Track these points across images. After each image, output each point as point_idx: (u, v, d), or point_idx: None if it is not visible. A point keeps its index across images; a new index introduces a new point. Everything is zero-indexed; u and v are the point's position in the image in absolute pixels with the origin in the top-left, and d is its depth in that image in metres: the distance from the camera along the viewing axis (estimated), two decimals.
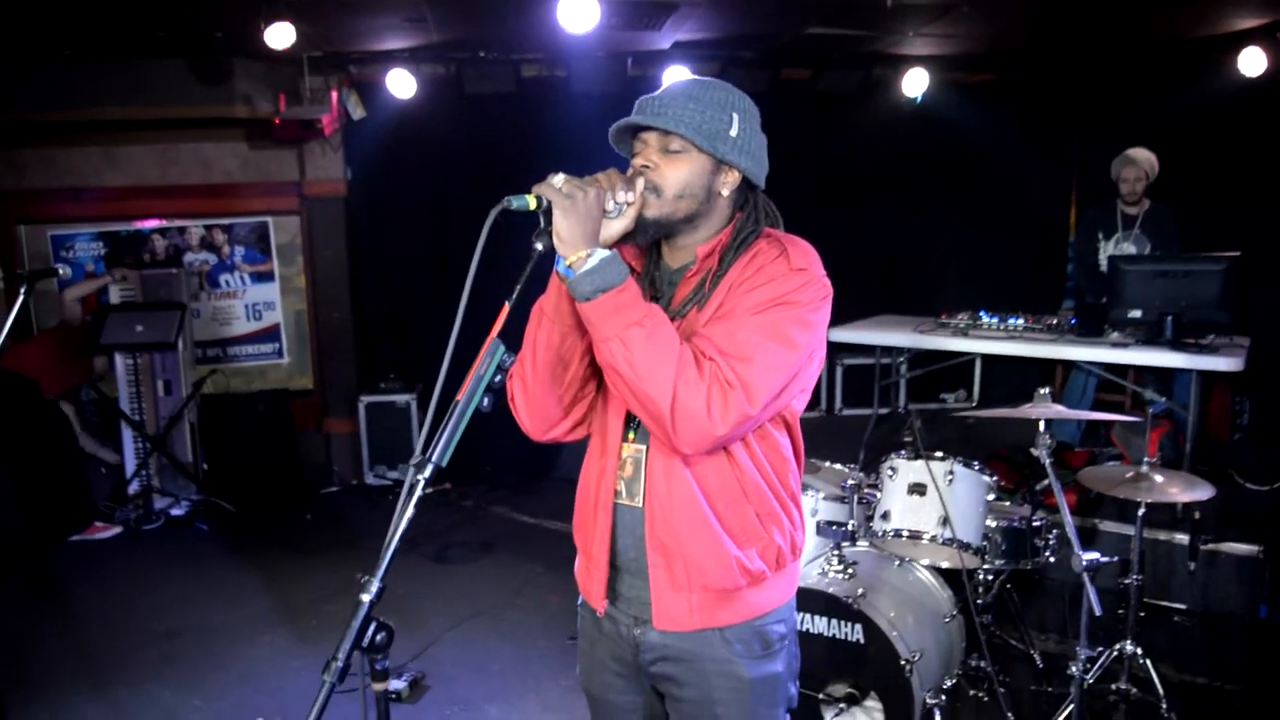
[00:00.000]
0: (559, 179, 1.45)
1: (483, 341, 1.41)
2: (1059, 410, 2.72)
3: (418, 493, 1.29)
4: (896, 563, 3.15)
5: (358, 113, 5.81)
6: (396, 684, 3.53)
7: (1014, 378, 6.40)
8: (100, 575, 4.86)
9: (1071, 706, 2.95)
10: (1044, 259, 6.73)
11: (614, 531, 1.68)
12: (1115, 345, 4.42)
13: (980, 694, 3.34)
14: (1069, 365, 5.30)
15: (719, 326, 1.52)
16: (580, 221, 1.43)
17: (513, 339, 1.57)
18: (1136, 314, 4.50)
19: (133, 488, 5.55)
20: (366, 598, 1.25)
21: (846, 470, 3.45)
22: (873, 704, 2.89)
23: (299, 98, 5.61)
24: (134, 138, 5.86)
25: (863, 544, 3.14)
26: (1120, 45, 5.79)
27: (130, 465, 5.58)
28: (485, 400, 1.35)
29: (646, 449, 1.63)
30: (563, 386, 1.64)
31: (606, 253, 1.45)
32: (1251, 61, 5.15)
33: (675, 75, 5.55)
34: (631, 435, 1.66)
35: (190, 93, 5.44)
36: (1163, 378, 4.91)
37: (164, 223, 6.13)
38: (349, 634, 1.22)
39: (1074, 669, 2.63)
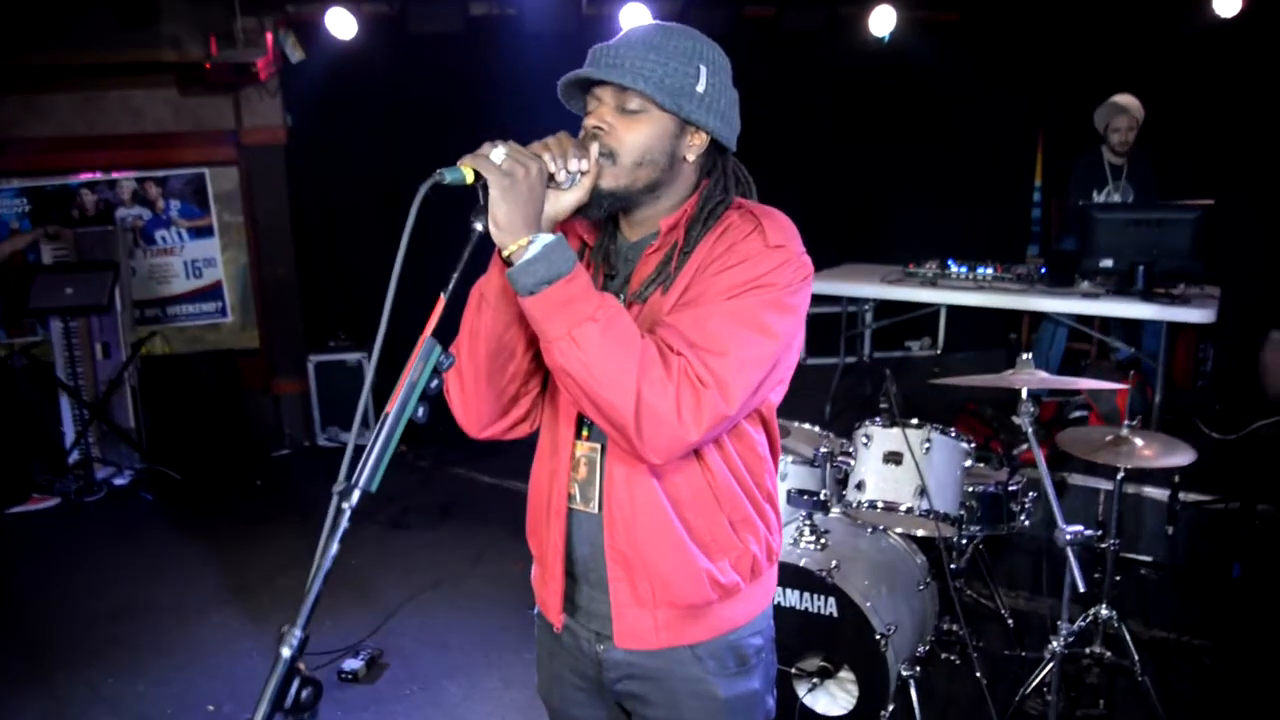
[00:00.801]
0: (497, 150, 1.24)
1: (417, 335, 1.23)
2: (1043, 378, 2.60)
3: (343, 525, 1.11)
4: (870, 530, 3.05)
5: (296, 55, 5.46)
6: (353, 663, 3.40)
7: (980, 324, 6.34)
8: (38, 551, 4.63)
9: (1045, 671, 2.91)
10: (1010, 203, 6.61)
11: (569, 539, 1.52)
12: (1086, 295, 4.34)
13: (953, 657, 3.29)
14: (1038, 313, 5.22)
15: (687, 314, 1.32)
16: (520, 204, 1.23)
17: (451, 331, 1.39)
18: (1108, 263, 4.41)
19: (72, 457, 5.29)
20: (288, 651, 1.06)
21: (819, 434, 3.33)
22: (846, 677, 2.81)
23: (231, 40, 5.25)
24: (56, 86, 5.46)
25: (836, 510, 3.02)
26: None
27: (69, 435, 5.31)
28: (420, 410, 1.17)
29: (603, 448, 1.45)
30: (505, 379, 1.45)
31: (550, 238, 1.24)
32: (1226, 2, 5.01)
33: (634, 15, 5.31)
34: (585, 432, 1.48)
35: (114, 37, 5.06)
36: (1130, 326, 4.85)
37: (94, 176, 5.76)
38: (267, 694, 1.03)
39: (1053, 644, 2.55)
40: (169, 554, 4.56)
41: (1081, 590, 2.26)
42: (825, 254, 5.94)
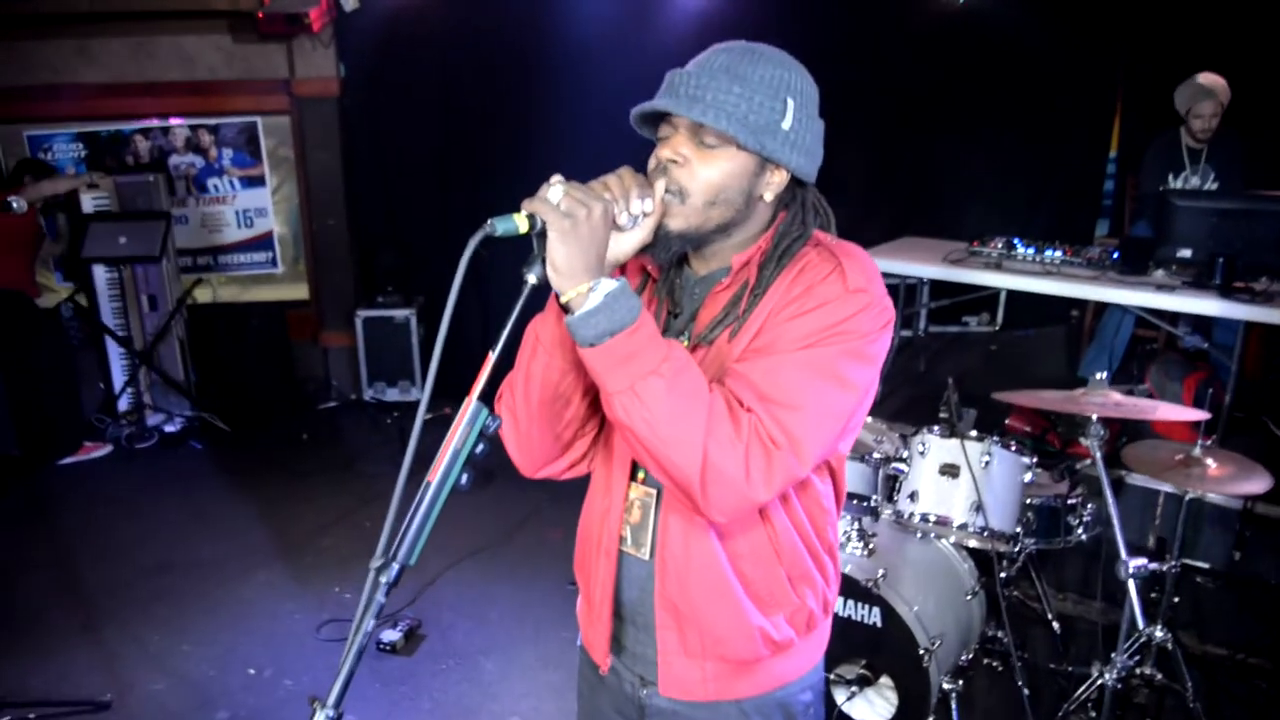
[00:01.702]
0: (556, 190, 1.15)
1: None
2: (1116, 401, 2.46)
3: (379, 600, 1.05)
4: (919, 535, 2.96)
5: (350, 4, 5.33)
6: (392, 635, 3.43)
7: (1041, 302, 6.11)
8: (91, 500, 4.72)
9: (1090, 687, 2.83)
10: (1081, 177, 6.30)
11: (618, 581, 1.46)
12: (1159, 288, 4.12)
13: (995, 664, 3.21)
14: None
15: (758, 364, 1.23)
16: (582, 249, 1.14)
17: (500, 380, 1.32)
18: (1186, 253, 4.17)
19: (122, 404, 5.38)
20: None
21: (874, 424, 3.23)
22: (885, 684, 2.76)
23: None
24: (108, 29, 5.41)
25: (886, 513, 2.93)
26: None
27: (118, 381, 5.39)
28: (464, 477, 1.10)
29: (659, 494, 1.39)
30: (560, 425, 1.38)
31: (613, 284, 1.15)
32: None
33: None
34: (641, 475, 1.41)
35: None
36: (1202, 315, 4.62)
37: (147, 122, 5.74)
38: None
39: (1106, 677, 2.46)
40: (216, 507, 4.63)
41: (1141, 627, 2.16)
42: (887, 225, 5.78)
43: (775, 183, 1.32)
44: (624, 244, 1.25)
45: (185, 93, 5.64)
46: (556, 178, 1.18)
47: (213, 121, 5.78)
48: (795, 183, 1.35)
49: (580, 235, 1.14)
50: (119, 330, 5.29)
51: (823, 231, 1.38)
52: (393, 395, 5.86)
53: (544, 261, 1.15)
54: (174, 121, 5.77)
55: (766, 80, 1.26)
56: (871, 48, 5.92)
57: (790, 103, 1.28)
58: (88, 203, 5.15)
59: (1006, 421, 4.20)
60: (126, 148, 5.75)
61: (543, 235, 1.13)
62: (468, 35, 5.60)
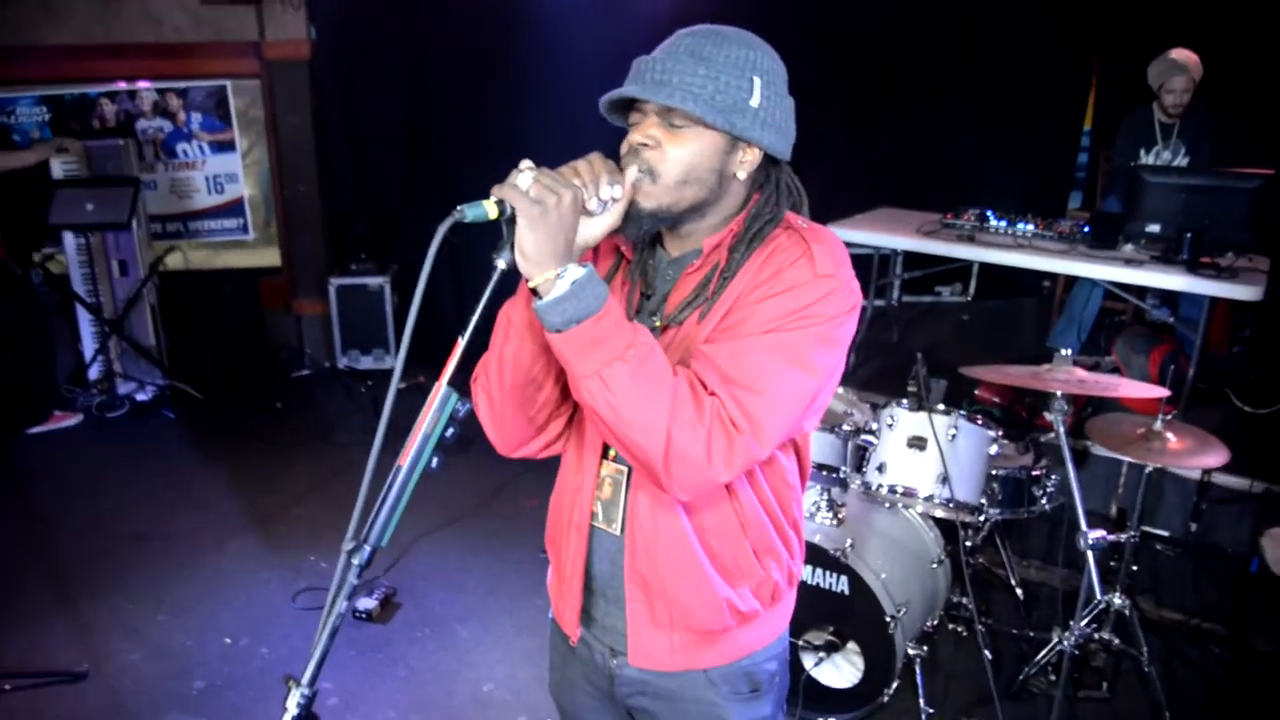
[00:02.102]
0: (525, 177, 1.16)
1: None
2: (1080, 378, 2.51)
3: (350, 581, 1.07)
4: (886, 505, 3.02)
5: None
6: (368, 602, 3.46)
7: (1013, 273, 6.16)
8: (64, 470, 4.69)
9: (1050, 652, 2.92)
10: (1055, 150, 6.34)
11: (589, 555, 1.49)
12: (1129, 262, 4.18)
13: (960, 629, 3.30)
14: None
15: (724, 347, 1.25)
16: (550, 235, 1.15)
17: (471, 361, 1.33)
18: (1155, 228, 4.25)
19: (93, 372, 5.33)
20: (294, 709, 1.04)
21: (844, 394, 3.28)
22: (853, 650, 2.83)
23: None
24: None
25: (855, 485, 2.99)
26: None
27: (89, 349, 5.33)
28: (434, 461, 1.12)
29: (629, 471, 1.41)
30: (534, 408, 1.40)
31: (580, 271, 1.17)
32: None
33: None
34: (612, 453, 1.44)
35: None
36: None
37: (113, 86, 5.62)
38: None
39: (1065, 642, 2.54)
40: (190, 476, 4.62)
41: (1099, 598, 2.23)
42: (862, 195, 5.80)
43: (748, 161, 1.33)
44: (593, 229, 1.26)
45: (153, 55, 5.52)
46: (526, 164, 1.19)
47: (181, 85, 5.67)
48: (769, 161, 1.37)
49: (549, 222, 1.15)
50: (88, 297, 5.22)
51: (794, 212, 1.40)
52: (366, 363, 5.84)
53: (513, 247, 1.16)
54: (141, 85, 5.66)
55: (732, 60, 1.28)
56: (848, 18, 5.90)
57: (757, 81, 1.29)
58: (57, 168, 5.05)
59: (976, 392, 4.28)
60: (92, 111, 5.63)
61: (512, 221, 1.15)
62: (441, 1, 5.52)
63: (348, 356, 5.84)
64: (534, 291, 1.20)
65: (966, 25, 5.91)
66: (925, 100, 6.11)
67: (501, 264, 1.16)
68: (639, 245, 1.43)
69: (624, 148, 1.32)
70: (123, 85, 5.63)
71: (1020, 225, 4.62)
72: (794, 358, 1.25)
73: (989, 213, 4.72)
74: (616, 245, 1.46)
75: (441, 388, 1.12)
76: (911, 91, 6.09)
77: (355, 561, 1.07)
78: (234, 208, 5.96)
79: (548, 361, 1.33)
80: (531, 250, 1.15)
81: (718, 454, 1.21)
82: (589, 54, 5.46)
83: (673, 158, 1.29)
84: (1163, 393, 2.59)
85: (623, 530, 1.43)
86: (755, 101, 1.29)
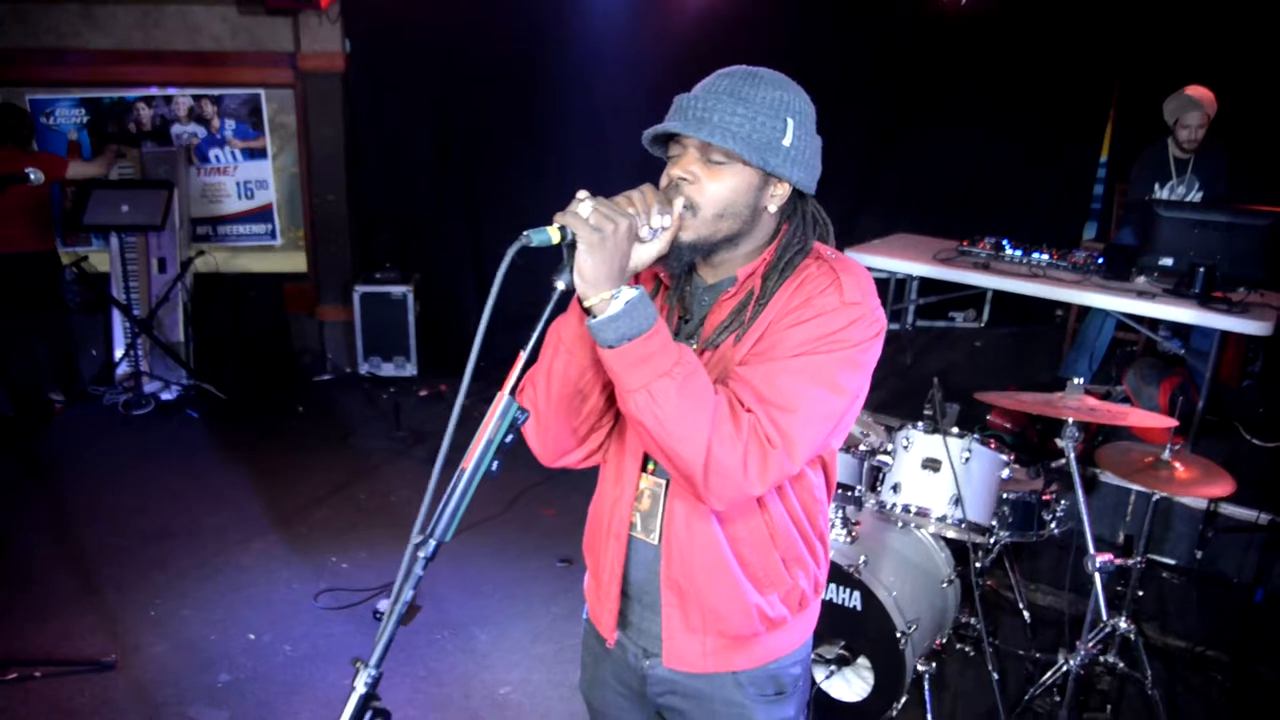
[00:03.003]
0: (586, 205, 1.26)
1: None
2: (1091, 406, 2.59)
3: (417, 572, 1.16)
4: (900, 524, 3.09)
5: None
6: (388, 604, 3.53)
7: (1026, 301, 6.25)
8: (90, 466, 4.79)
9: (1055, 673, 2.98)
10: (1072, 181, 6.44)
11: (627, 563, 1.58)
12: (1141, 295, 4.25)
13: (967, 648, 3.37)
14: None
15: (759, 369, 1.35)
16: (607, 260, 1.24)
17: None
18: (1168, 262, 4.32)
19: (121, 369, 5.44)
20: (362, 688, 1.13)
21: (861, 420, 3.35)
22: (863, 665, 2.89)
23: None
24: None
25: (869, 503, 3.06)
26: None
27: (119, 348, 5.45)
28: (495, 465, 1.21)
29: (667, 484, 1.50)
30: (579, 419, 1.49)
31: (634, 293, 1.26)
32: None
33: None
34: (651, 466, 1.53)
35: None
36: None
37: (150, 91, 5.77)
38: None
39: (1070, 662, 2.60)
40: (213, 476, 4.71)
41: (1105, 619, 2.30)
42: (880, 221, 5.90)
43: (778, 195, 1.43)
44: (643, 255, 1.35)
45: (190, 62, 5.67)
46: (582, 193, 1.28)
47: (216, 92, 5.81)
48: (796, 195, 1.47)
49: (607, 247, 1.24)
50: (126, 293, 5.34)
51: (821, 242, 1.49)
52: (388, 370, 5.95)
53: (572, 269, 1.25)
54: (170, 90, 5.80)
55: (768, 101, 1.38)
56: (868, 49, 6.02)
57: (790, 121, 1.39)
58: (114, 171, 5.22)
59: (988, 417, 4.35)
60: (129, 115, 5.77)
61: (572, 246, 1.24)
62: (471, 17, 5.65)
63: (369, 363, 5.94)
64: (587, 311, 1.29)
65: (986, 57, 6.02)
66: (945, 131, 6.23)
67: (561, 285, 1.25)
68: (676, 273, 1.53)
69: (664, 180, 1.42)
70: (154, 90, 5.76)
71: (1035, 255, 4.70)
72: (823, 379, 1.34)
73: (1005, 242, 4.80)
74: (655, 273, 1.55)
75: (504, 397, 1.21)
76: (932, 122, 6.21)
77: (421, 554, 1.16)
78: (263, 213, 6.09)
79: (594, 375, 1.43)
80: (590, 272, 1.24)
81: (753, 467, 1.30)
82: (614, 74, 5.60)
83: (710, 192, 1.39)
84: (1171, 423, 2.67)
85: (660, 540, 1.52)
86: (788, 141, 1.39)
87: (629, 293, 1.26)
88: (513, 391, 1.24)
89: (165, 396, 5.46)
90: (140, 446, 5.04)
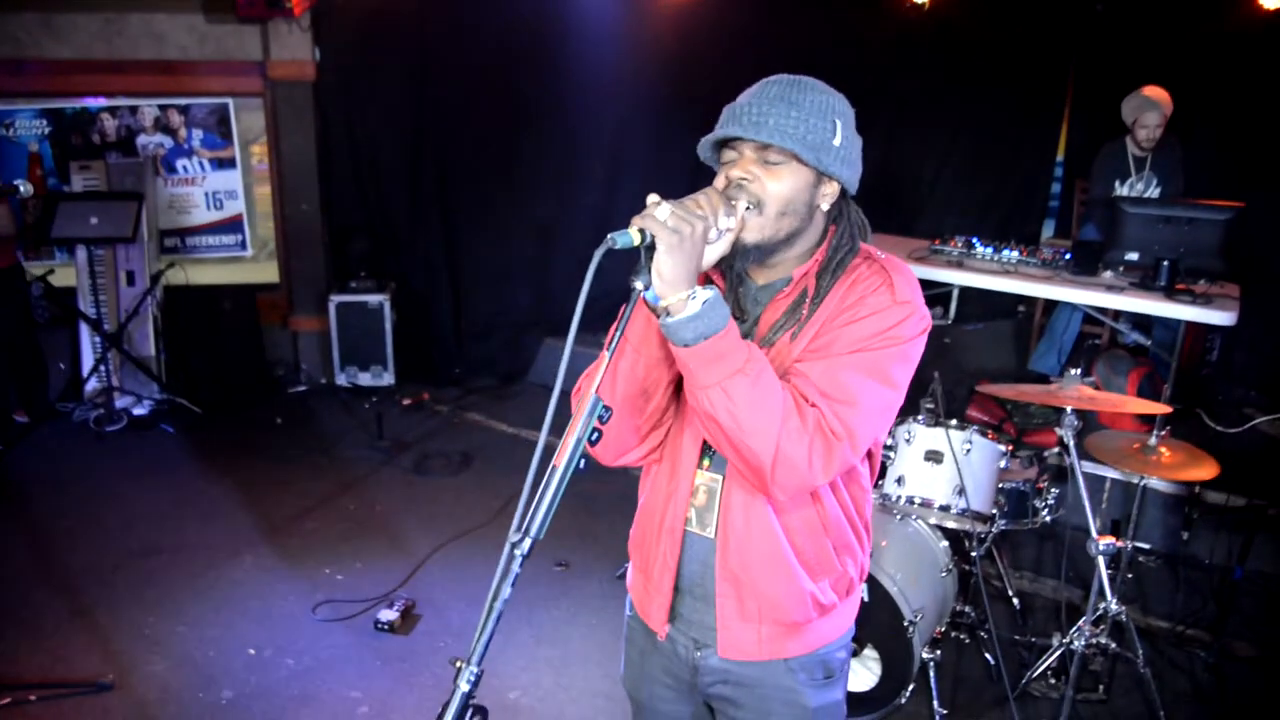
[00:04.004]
0: (664, 209, 1.30)
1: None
2: (1090, 396, 2.69)
3: (515, 570, 1.19)
4: (899, 517, 3.18)
5: None
6: (389, 614, 3.53)
7: (991, 297, 6.43)
8: (65, 484, 4.68)
9: (1052, 657, 3.09)
10: (1030, 180, 6.63)
11: (681, 557, 1.62)
12: (1109, 288, 4.42)
13: (962, 636, 3.46)
14: None
15: (819, 365, 1.41)
16: (685, 260, 1.29)
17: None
18: (1133, 256, 4.48)
19: (90, 385, 5.32)
20: (465, 686, 1.16)
21: None
22: (869, 655, 2.97)
23: None
24: (75, 4, 5.31)
25: (872, 497, 3.14)
26: None
27: (87, 363, 5.33)
28: (582, 462, 1.24)
29: (723, 479, 1.55)
30: (643, 417, 1.53)
31: (709, 293, 1.31)
32: None
33: None
34: (706, 462, 1.57)
35: None
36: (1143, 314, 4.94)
37: (113, 101, 5.65)
38: None
39: (1075, 643, 2.70)
40: (194, 491, 4.64)
41: (1109, 600, 2.39)
42: None
43: (829, 194, 1.50)
44: (709, 255, 1.40)
45: (155, 71, 5.56)
46: (654, 197, 1.32)
47: (183, 101, 5.71)
48: (841, 195, 1.53)
49: (685, 249, 1.29)
50: (95, 307, 5.23)
51: (862, 239, 1.56)
52: (365, 380, 5.90)
53: (650, 271, 1.30)
54: (141, 101, 5.69)
55: (817, 105, 1.45)
56: (828, 51, 6.11)
57: (838, 122, 1.47)
58: (78, 182, 5.10)
59: (968, 412, 4.47)
60: (93, 126, 5.65)
61: (650, 248, 1.28)
62: (443, 25, 5.65)
63: (346, 373, 5.89)
64: (664, 311, 1.33)
65: (944, 58, 6.18)
66: (905, 132, 6.37)
67: (640, 285, 1.29)
68: (737, 272, 1.57)
69: (721, 182, 1.47)
70: (121, 100, 5.65)
71: (1005, 252, 4.84)
72: (879, 374, 1.41)
73: (975, 240, 4.94)
74: (707, 274, 1.60)
75: (590, 396, 1.24)
76: (892, 123, 6.33)
77: (519, 553, 1.18)
78: (233, 224, 6.00)
79: (659, 374, 1.47)
80: (669, 273, 1.29)
81: (818, 459, 1.36)
82: (587, 82, 5.64)
83: (772, 190, 1.45)
84: (1164, 409, 2.79)
85: (716, 533, 1.56)
86: (837, 141, 1.46)
87: (705, 292, 1.31)
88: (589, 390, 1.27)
89: (138, 411, 5.35)
90: (116, 463, 4.93)
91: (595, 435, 1.26)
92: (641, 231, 1.28)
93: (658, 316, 1.35)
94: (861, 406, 1.39)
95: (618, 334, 1.30)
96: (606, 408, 1.26)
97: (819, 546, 1.56)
